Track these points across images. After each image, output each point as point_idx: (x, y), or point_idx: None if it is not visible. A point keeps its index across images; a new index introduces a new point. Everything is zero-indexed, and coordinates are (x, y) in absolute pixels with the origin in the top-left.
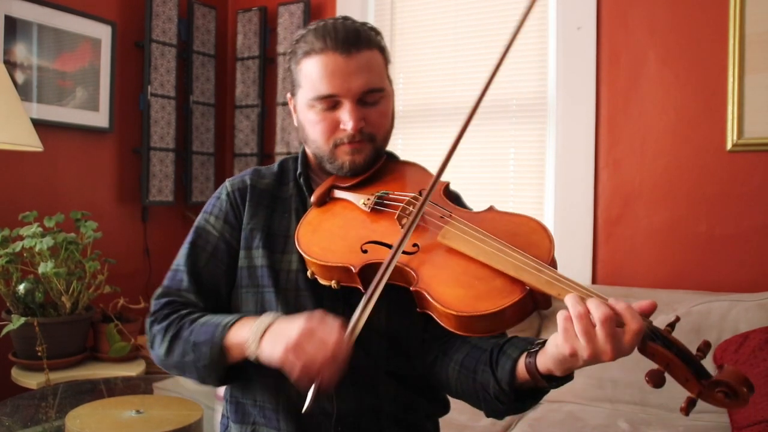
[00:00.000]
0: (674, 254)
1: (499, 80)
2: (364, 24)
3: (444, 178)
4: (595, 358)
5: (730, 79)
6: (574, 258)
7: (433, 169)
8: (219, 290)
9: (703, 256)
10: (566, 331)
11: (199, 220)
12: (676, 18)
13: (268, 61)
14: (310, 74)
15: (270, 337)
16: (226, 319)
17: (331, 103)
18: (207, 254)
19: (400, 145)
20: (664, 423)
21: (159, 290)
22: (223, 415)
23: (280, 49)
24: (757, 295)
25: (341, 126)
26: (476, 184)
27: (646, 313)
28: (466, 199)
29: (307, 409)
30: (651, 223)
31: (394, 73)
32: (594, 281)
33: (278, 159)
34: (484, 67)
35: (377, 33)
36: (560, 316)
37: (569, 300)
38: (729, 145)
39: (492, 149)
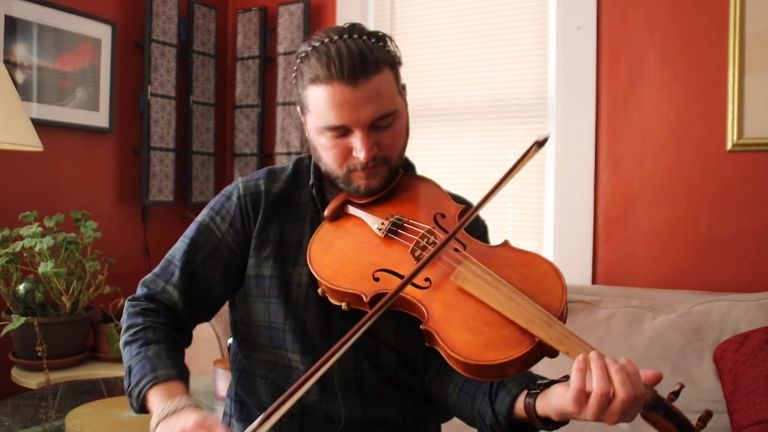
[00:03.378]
0: (674, 254)
1: (499, 80)
2: (371, 36)
3: (445, 178)
4: (598, 422)
5: (730, 79)
6: (574, 258)
7: (446, 179)
8: (211, 290)
9: (703, 256)
10: (578, 401)
11: (203, 216)
12: (676, 18)
13: (268, 61)
14: (317, 104)
15: (165, 424)
16: (162, 371)
17: (341, 132)
18: (205, 253)
19: None
20: None
21: (148, 276)
22: (225, 414)
23: (280, 49)
24: (757, 295)
25: (354, 153)
26: (476, 185)
27: (652, 383)
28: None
29: None
30: (651, 223)
31: None
32: (594, 281)
33: (278, 159)
34: (484, 67)
35: (385, 43)
36: (576, 383)
37: (596, 374)
38: (729, 145)
39: (492, 149)
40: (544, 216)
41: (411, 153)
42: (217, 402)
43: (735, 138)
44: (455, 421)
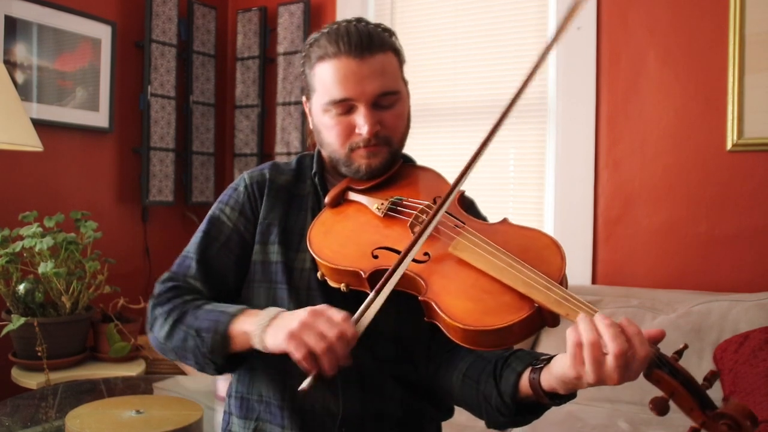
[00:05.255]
0: (674, 254)
1: (499, 80)
2: (378, 26)
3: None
4: (600, 383)
5: (730, 79)
6: (574, 258)
7: (449, 176)
8: (227, 281)
9: (703, 256)
10: (575, 356)
11: (213, 209)
12: (676, 18)
13: (268, 61)
14: (324, 79)
15: (274, 327)
16: (232, 308)
17: (345, 107)
18: (219, 244)
19: None
20: (664, 423)
21: (165, 275)
22: (225, 412)
23: (280, 49)
24: (757, 295)
25: (356, 130)
26: (476, 184)
27: (655, 340)
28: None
29: (303, 387)
30: (651, 223)
31: None
32: (594, 281)
33: (278, 159)
34: (484, 67)
35: (391, 34)
36: (570, 338)
37: (582, 324)
38: (729, 145)
39: (492, 149)
40: (544, 216)
41: (411, 153)
42: (217, 402)
43: (735, 138)
44: (455, 420)
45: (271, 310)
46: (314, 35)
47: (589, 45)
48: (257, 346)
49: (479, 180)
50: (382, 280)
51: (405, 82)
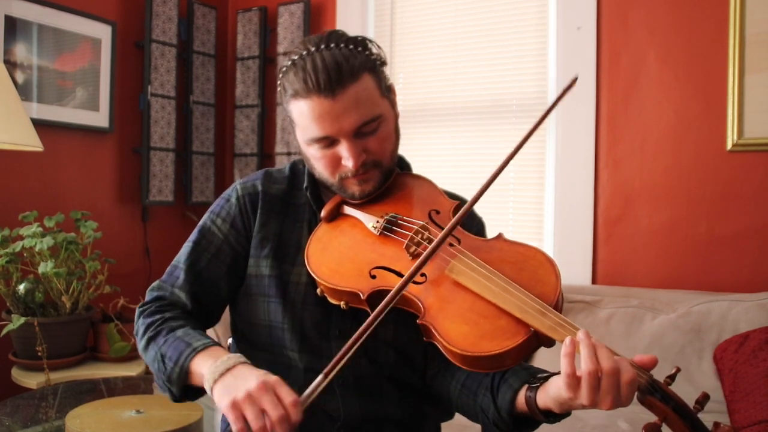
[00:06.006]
0: (674, 254)
1: (499, 80)
2: (348, 44)
3: (445, 178)
4: (593, 407)
5: (730, 79)
6: (574, 258)
7: (447, 178)
8: (217, 292)
9: (703, 256)
10: (570, 386)
11: (204, 220)
12: (676, 18)
13: (268, 61)
14: (300, 117)
15: (223, 384)
16: (198, 342)
17: (327, 142)
18: (209, 255)
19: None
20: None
21: (155, 283)
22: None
23: (280, 49)
24: (757, 295)
25: (343, 162)
26: (476, 185)
27: (647, 367)
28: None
29: None
30: (651, 224)
31: (394, 74)
32: (594, 281)
33: (278, 159)
34: (484, 67)
35: (364, 47)
36: (565, 368)
37: (584, 353)
38: (729, 145)
39: (492, 149)
40: (544, 216)
41: (411, 153)
42: None
43: (735, 138)
44: (455, 420)
45: (230, 360)
46: (285, 64)
47: (589, 45)
48: (208, 393)
49: (479, 180)
50: (335, 359)
51: (387, 93)
